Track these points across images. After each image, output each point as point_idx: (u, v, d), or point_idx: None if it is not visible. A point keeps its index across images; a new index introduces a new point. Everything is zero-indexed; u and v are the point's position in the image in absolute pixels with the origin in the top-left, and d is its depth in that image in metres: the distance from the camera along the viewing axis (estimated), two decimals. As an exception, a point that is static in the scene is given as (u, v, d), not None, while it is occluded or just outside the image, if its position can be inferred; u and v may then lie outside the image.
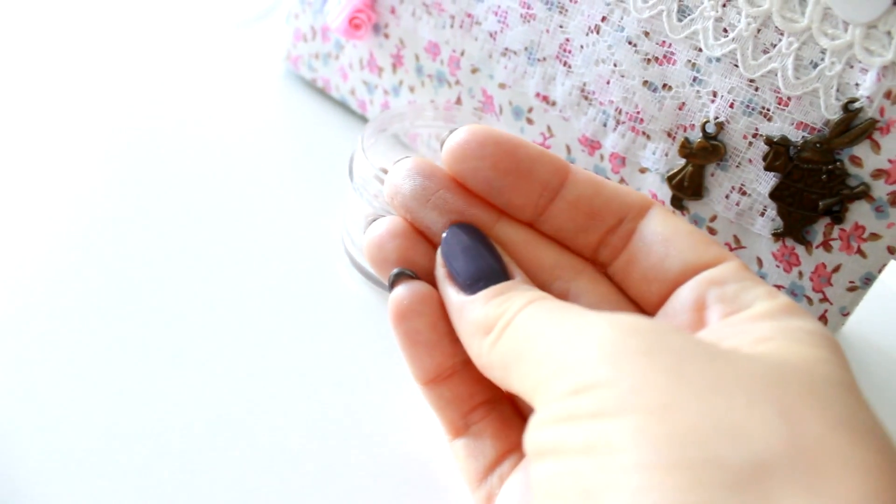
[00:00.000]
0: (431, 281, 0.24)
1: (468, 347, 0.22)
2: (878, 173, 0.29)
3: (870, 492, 0.14)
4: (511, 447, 0.24)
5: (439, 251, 0.23)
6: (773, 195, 0.31)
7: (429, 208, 0.24)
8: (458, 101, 0.40)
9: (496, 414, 0.25)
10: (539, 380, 0.18)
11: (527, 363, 0.19)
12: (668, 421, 0.15)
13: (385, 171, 0.32)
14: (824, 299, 0.32)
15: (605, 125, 0.35)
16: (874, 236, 0.30)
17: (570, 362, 0.18)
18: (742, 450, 0.14)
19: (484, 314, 0.21)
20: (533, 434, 0.18)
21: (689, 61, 0.31)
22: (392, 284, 0.24)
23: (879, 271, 0.31)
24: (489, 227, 0.24)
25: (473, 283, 0.22)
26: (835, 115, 0.29)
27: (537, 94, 0.37)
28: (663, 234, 0.22)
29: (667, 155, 0.33)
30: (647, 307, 0.23)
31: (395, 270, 0.24)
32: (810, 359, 0.17)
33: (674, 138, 0.33)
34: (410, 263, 0.24)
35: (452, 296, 0.23)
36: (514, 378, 0.20)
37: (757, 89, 0.30)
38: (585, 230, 0.23)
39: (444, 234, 0.23)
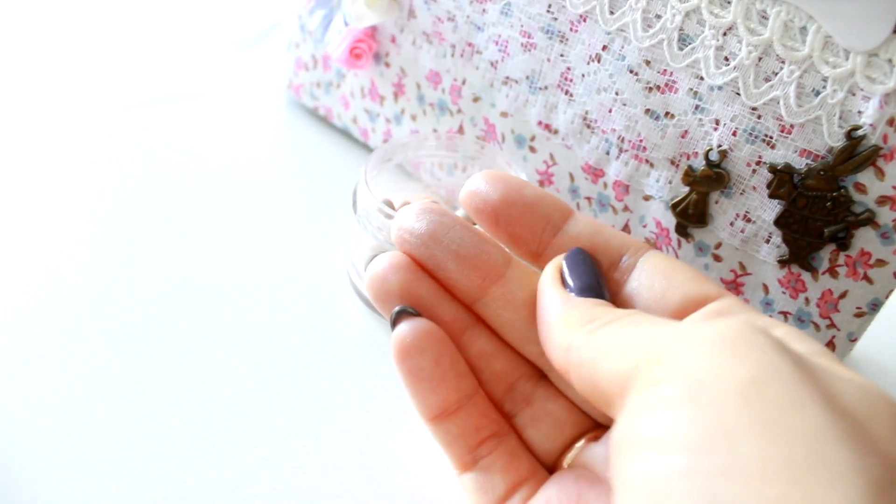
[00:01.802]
0: (434, 315, 0.24)
1: (552, 333, 0.22)
2: (883, 200, 0.29)
3: None
4: (520, 481, 0.24)
5: (560, 258, 0.24)
6: (778, 222, 0.31)
7: (443, 247, 0.24)
8: (461, 130, 0.40)
9: (504, 448, 0.25)
10: (642, 359, 0.18)
11: (628, 347, 0.19)
12: (794, 420, 0.15)
13: (389, 204, 0.32)
14: (832, 325, 0.32)
15: (607, 153, 0.35)
16: (880, 262, 0.30)
17: (688, 343, 0.17)
18: (859, 461, 0.14)
19: (589, 311, 0.21)
20: (627, 423, 0.17)
21: (691, 89, 0.31)
22: (394, 322, 0.24)
23: (886, 297, 0.31)
24: (506, 263, 0.25)
25: (583, 290, 0.23)
26: (838, 142, 0.29)
27: (539, 123, 0.37)
28: (665, 269, 0.23)
29: (670, 182, 0.33)
30: None
31: (397, 308, 0.24)
32: (870, 383, 0.17)
33: (677, 166, 0.33)
34: (414, 297, 0.24)
35: (558, 292, 0.23)
36: (606, 362, 0.19)
37: (759, 117, 0.30)
38: None
39: (571, 250, 0.24)
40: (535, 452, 0.25)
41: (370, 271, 0.25)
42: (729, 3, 0.29)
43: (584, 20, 0.33)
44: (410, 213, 0.25)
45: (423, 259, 0.24)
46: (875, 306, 0.31)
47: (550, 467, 0.25)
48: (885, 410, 0.16)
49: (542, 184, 0.38)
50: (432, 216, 0.24)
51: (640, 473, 0.16)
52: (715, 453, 0.15)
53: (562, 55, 0.35)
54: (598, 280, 0.23)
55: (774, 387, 0.15)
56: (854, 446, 0.14)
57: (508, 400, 0.25)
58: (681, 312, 0.22)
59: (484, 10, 0.36)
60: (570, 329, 0.21)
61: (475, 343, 0.25)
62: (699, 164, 0.32)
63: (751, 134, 0.30)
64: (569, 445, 0.25)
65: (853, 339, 0.32)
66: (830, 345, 0.33)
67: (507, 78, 0.37)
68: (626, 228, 0.36)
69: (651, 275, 0.23)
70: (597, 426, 0.25)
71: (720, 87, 0.31)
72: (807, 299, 0.32)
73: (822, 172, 0.29)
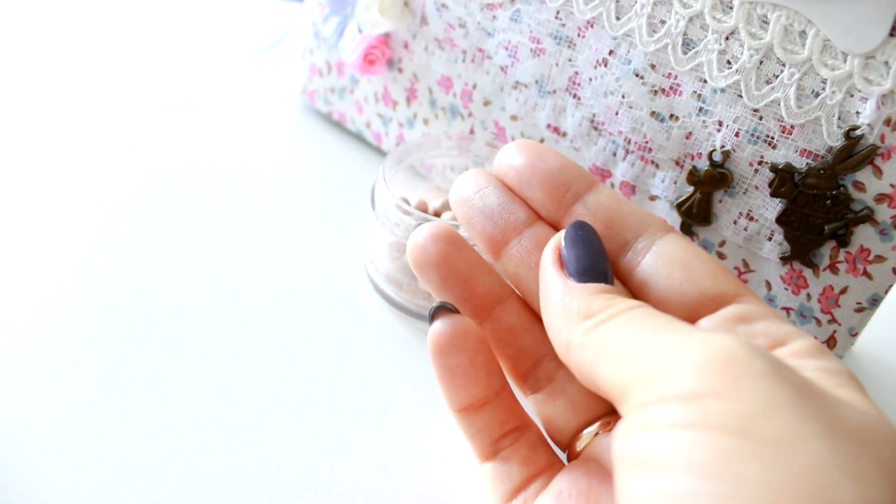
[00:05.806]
0: (469, 287, 0.26)
1: (552, 326, 0.22)
2: (881, 197, 0.30)
3: None
4: (536, 472, 0.25)
5: (559, 235, 0.23)
6: (780, 220, 0.32)
7: (471, 204, 0.26)
8: (472, 133, 0.42)
9: (524, 440, 0.26)
10: (636, 374, 0.18)
11: (625, 355, 0.19)
12: (796, 456, 0.15)
13: (406, 201, 0.34)
14: (833, 320, 0.33)
15: (614, 154, 0.36)
16: (879, 258, 0.31)
17: (685, 364, 0.17)
18: (863, 493, 0.15)
19: (587, 302, 0.21)
20: (627, 439, 0.17)
21: (695, 92, 0.32)
22: (432, 318, 0.25)
23: (886, 292, 0.32)
24: (527, 223, 0.26)
25: (582, 274, 0.22)
26: (837, 142, 0.30)
27: (548, 126, 0.38)
28: (683, 259, 0.23)
29: (675, 183, 0.34)
30: None
31: (436, 304, 0.25)
32: (872, 410, 0.18)
33: (682, 166, 0.34)
34: (451, 267, 0.26)
35: (556, 277, 0.23)
36: (604, 367, 0.20)
37: (761, 118, 0.31)
38: (603, 240, 0.24)
39: (569, 224, 0.24)
40: (549, 432, 0.26)
41: (411, 240, 0.26)
42: (731, 8, 0.31)
43: (592, 26, 0.34)
44: (462, 179, 0.27)
45: (458, 217, 0.26)
46: (875, 301, 0.32)
47: (563, 448, 0.26)
48: (888, 436, 0.17)
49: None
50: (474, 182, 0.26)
51: (644, 494, 0.16)
52: (719, 479, 0.15)
53: (570, 60, 0.36)
54: (601, 260, 0.23)
55: (774, 422, 0.15)
56: (857, 476, 0.15)
57: (532, 376, 0.26)
58: (697, 309, 0.22)
59: (494, 17, 0.37)
60: (568, 324, 0.21)
61: (506, 317, 0.26)
62: (703, 164, 0.33)
63: (753, 135, 0.32)
64: (582, 429, 0.25)
65: (854, 334, 0.33)
66: (832, 339, 0.34)
67: (517, 82, 0.38)
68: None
69: (669, 262, 0.23)
70: (612, 411, 0.25)
71: (723, 90, 0.32)
72: (808, 295, 0.33)
73: (821, 171, 0.30)
